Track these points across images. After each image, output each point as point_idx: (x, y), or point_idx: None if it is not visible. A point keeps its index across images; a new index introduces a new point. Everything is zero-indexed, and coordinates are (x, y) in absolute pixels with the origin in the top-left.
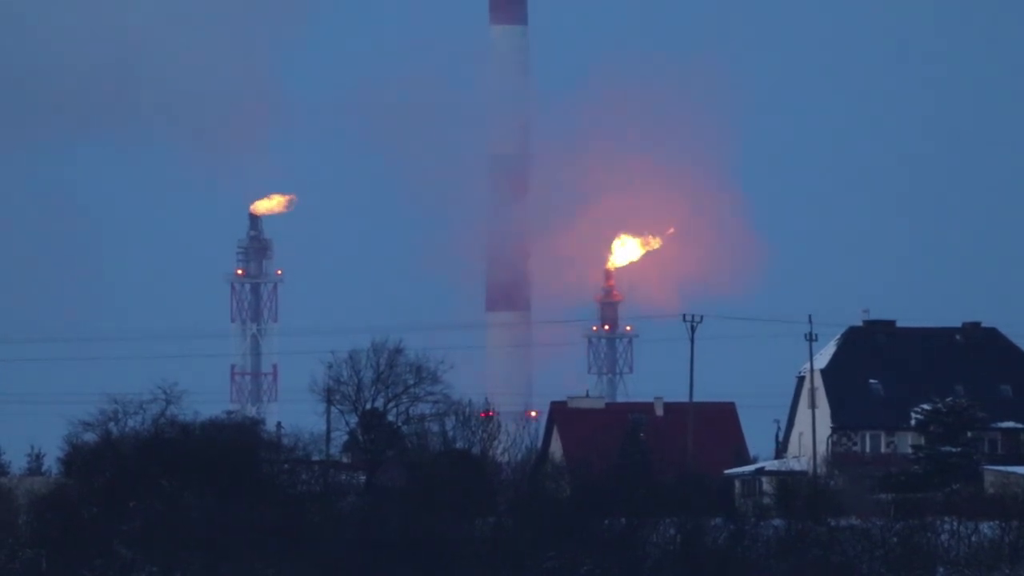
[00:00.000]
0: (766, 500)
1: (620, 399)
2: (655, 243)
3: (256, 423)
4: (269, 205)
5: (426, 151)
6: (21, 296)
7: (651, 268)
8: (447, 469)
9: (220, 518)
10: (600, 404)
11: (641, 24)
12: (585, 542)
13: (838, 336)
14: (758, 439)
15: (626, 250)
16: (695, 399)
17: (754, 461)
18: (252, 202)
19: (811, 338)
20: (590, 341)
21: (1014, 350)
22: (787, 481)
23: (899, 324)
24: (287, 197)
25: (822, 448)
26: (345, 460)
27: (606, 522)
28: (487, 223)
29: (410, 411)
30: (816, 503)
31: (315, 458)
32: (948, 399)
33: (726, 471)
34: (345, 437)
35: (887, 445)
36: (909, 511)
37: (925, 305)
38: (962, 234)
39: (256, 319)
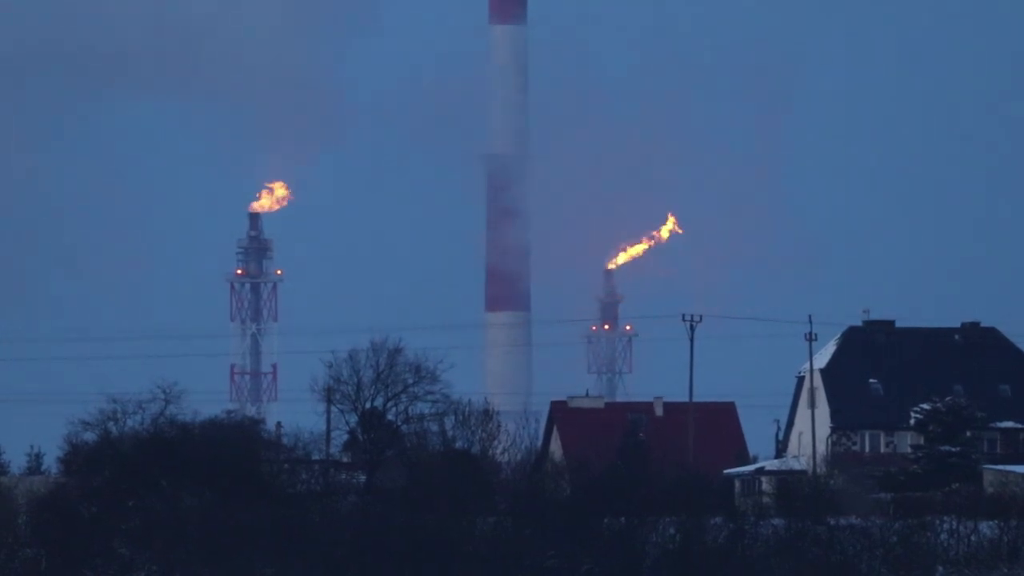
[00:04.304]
0: (766, 500)
1: (620, 399)
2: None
3: (256, 423)
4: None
5: (425, 150)
6: (21, 296)
7: (651, 268)
8: (447, 469)
9: (220, 518)
10: (600, 404)
11: (640, 23)
12: (585, 541)
13: (838, 336)
14: (758, 439)
15: (626, 250)
16: (695, 399)
17: (754, 461)
18: (251, 202)
19: (811, 338)
20: (590, 341)
21: (1013, 350)
22: (787, 481)
23: (899, 324)
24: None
25: (822, 448)
26: (345, 460)
27: (606, 521)
28: (487, 223)
29: (409, 410)
30: (816, 503)
31: (315, 458)
32: (947, 399)
33: (726, 471)
34: (345, 436)
35: (887, 445)
36: (908, 510)
37: (925, 305)
38: (962, 234)
39: (256, 319)
